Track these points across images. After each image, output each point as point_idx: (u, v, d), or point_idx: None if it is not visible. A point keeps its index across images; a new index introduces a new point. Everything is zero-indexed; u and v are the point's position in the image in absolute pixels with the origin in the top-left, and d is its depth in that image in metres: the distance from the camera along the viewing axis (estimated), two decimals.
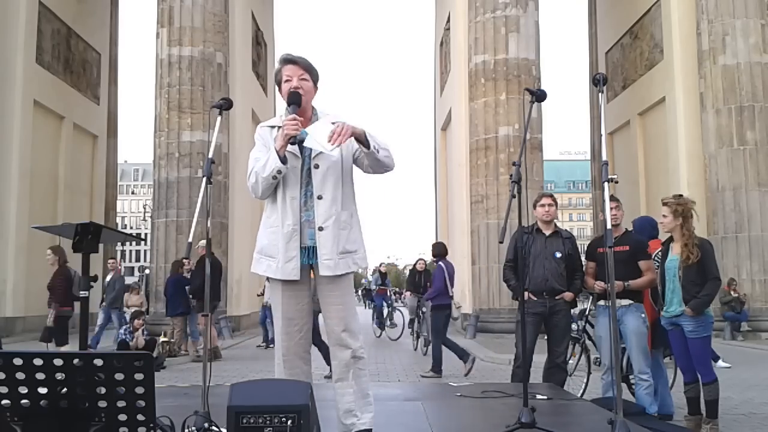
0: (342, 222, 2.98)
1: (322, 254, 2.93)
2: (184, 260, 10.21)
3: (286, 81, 3.01)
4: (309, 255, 2.94)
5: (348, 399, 3.00)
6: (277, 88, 3.16)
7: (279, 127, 2.97)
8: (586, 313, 5.97)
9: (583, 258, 5.33)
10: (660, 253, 4.88)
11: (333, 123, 2.84)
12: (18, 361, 1.96)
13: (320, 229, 2.93)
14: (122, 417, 2.02)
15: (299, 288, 3.00)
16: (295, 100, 2.93)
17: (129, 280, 15.98)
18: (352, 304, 3.10)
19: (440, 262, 8.75)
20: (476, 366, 9.29)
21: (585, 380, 5.94)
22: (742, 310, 13.25)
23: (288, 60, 3.06)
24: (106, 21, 20.02)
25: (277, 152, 2.84)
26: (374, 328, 15.69)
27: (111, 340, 11.55)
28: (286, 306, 3.00)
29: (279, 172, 2.87)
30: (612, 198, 4.92)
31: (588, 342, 5.96)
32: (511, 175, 3.33)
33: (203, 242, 8.69)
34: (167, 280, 11.14)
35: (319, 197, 2.93)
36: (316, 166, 2.95)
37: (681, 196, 4.76)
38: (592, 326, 6.19)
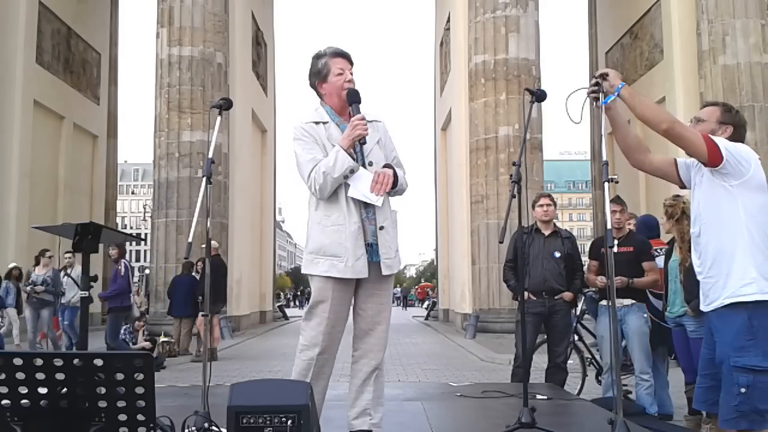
0: (393, 221, 3.01)
1: (383, 253, 2.92)
2: (199, 261, 10.17)
3: (339, 74, 2.97)
4: (372, 252, 2.91)
5: (366, 397, 2.98)
6: (316, 78, 3.04)
7: (324, 122, 2.96)
8: (577, 313, 5.96)
9: (585, 258, 5.33)
10: (661, 251, 4.90)
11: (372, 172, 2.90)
12: (18, 361, 1.96)
13: (381, 228, 2.92)
14: (122, 417, 2.02)
15: (349, 290, 2.95)
16: (357, 98, 2.93)
17: None
18: (391, 305, 3.13)
19: (123, 261, 8.59)
20: (476, 366, 9.31)
21: (581, 380, 5.94)
22: None
23: (339, 53, 3.02)
24: (106, 21, 20.02)
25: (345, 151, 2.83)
26: None
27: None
28: (334, 307, 2.90)
29: (351, 171, 2.85)
30: (617, 200, 4.93)
31: (579, 342, 5.96)
32: (511, 175, 3.33)
33: (214, 243, 8.67)
34: (174, 280, 11.01)
35: (350, 196, 2.91)
36: (371, 164, 2.95)
37: (679, 196, 4.75)
38: (584, 327, 6.21)
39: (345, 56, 3.02)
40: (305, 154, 2.90)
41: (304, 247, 3.05)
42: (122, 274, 8.44)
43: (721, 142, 2.71)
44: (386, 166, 2.98)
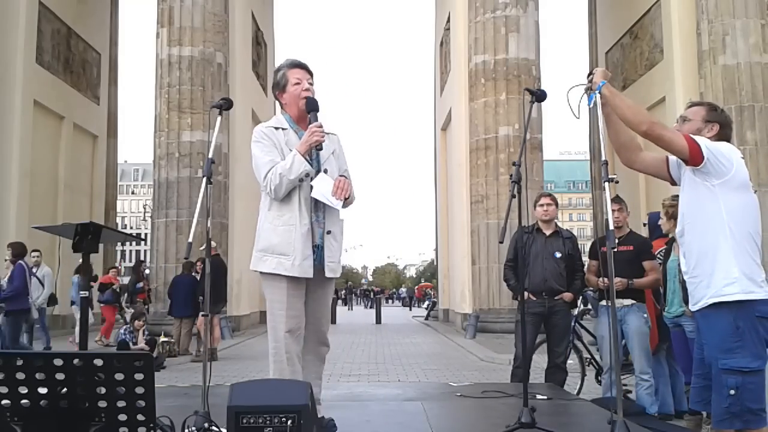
0: (340, 229, 3.17)
1: (328, 257, 3.08)
2: (198, 262, 10.13)
3: (296, 83, 3.12)
4: (318, 254, 3.06)
5: (316, 390, 3.11)
6: (276, 89, 3.22)
7: (282, 128, 3.11)
8: (575, 313, 5.97)
9: (585, 257, 5.33)
10: (663, 251, 4.90)
11: (333, 177, 3.07)
12: (18, 361, 1.96)
13: (328, 232, 3.08)
14: (122, 417, 2.02)
15: (302, 287, 3.07)
16: (316, 107, 3.08)
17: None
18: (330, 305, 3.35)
19: (20, 262, 8.32)
20: (476, 366, 9.31)
21: (580, 380, 5.94)
22: None
23: (296, 64, 3.18)
24: (106, 21, 20.01)
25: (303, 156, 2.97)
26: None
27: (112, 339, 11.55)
28: (291, 305, 3.03)
29: (307, 175, 2.99)
30: (616, 200, 4.93)
31: (577, 342, 5.96)
32: (511, 175, 3.33)
33: (213, 243, 8.57)
34: (174, 280, 11.00)
35: (313, 197, 3.05)
36: (326, 171, 3.09)
37: (678, 196, 4.74)
38: (583, 327, 6.22)
39: (302, 67, 3.19)
40: (263, 156, 3.05)
41: (254, 245, 3.16)
42: (19, 274, 8.12)
43: (702, 141, 2.72)
44: (341, 176, 3.16)
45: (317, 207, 3.07)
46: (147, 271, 14.61)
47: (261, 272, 3.08)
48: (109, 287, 12.24)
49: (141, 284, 11.82)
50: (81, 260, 3.20)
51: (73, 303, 11.31)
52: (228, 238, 14.80)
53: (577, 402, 4.54)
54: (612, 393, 4.22)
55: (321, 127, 3.01)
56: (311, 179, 3.03)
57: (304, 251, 2.97)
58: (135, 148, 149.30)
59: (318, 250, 3.06)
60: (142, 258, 18.72)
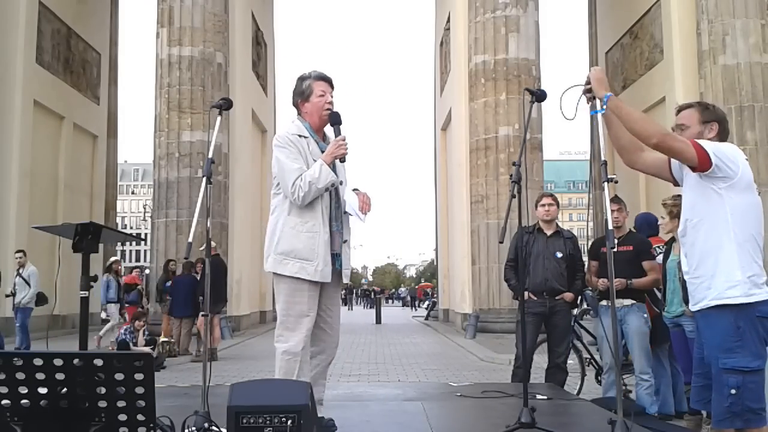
0: (350, 237, 3.31)
1: (344, 264, 3.24)
2: (198, 261, 10.11)
3: (321, 95, 3.23)
4: (336, 261, 3.20)
5: (320, 390, 3.25)
6: (299, 97, 3.29)
7: (304, 137, 3.20)
8: (575, 313, 5.97)
9: (585, 257, 5.33)
10: (662, 248, 4.90)
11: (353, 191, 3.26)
12: (18, 361, 1.96)
13: (345, 241, 3.24)
14: (122, 417, 2.02)
15: (317, 293, 3.18)
16: (339, 120, 3.21)
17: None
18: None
19: None
20: (476, 366, 9.31)
21: (580, 380, 5.94)
22: None
23: (322, 77, 3.28)
24: (106, 21, 20.01)
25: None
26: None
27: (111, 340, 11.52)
28: (311, 308, 3.14)
29: (332, 185, 3.12)
30: (615, 200, 4.93)
31: (577, 342, 5.96)
32: (511, 175, 3.33)
33: (214, 243, 8.56)
34: (174, 280, 11.01)
35: (346, 212, 3.24)
36: (341, 182, 3.23)
37: (679, 196, 4.74)
38: (582, 327, 6.21)
39: (327, 80, 3.29)
40: (291, 163, 3.12)
41: (268, 247, 3.20)
42: None
43: (709, 146, 2.71)
44: (355, 189, 3.30)
45: (337, 216, 3.21)
46: (147, 271, 14.66)
47: (280, 274, 3.14)
48: (135, 288, 12.34)
49: (170, 283, 11.89)
50: (82, 260, 3.19)
51: (110, 302, 11.43)
52: (228, 238, 14.78)
53: (577, 402, 4.54)
54: (612, 393, 4.23)
55: (345, 140, 3.14)
56: (336, 189, 3.17)
57: (325, 257, 3.11)
58: (135, 148, 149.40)
59: (337, 258, 3.21)
60: (141, 258, 18.78)
